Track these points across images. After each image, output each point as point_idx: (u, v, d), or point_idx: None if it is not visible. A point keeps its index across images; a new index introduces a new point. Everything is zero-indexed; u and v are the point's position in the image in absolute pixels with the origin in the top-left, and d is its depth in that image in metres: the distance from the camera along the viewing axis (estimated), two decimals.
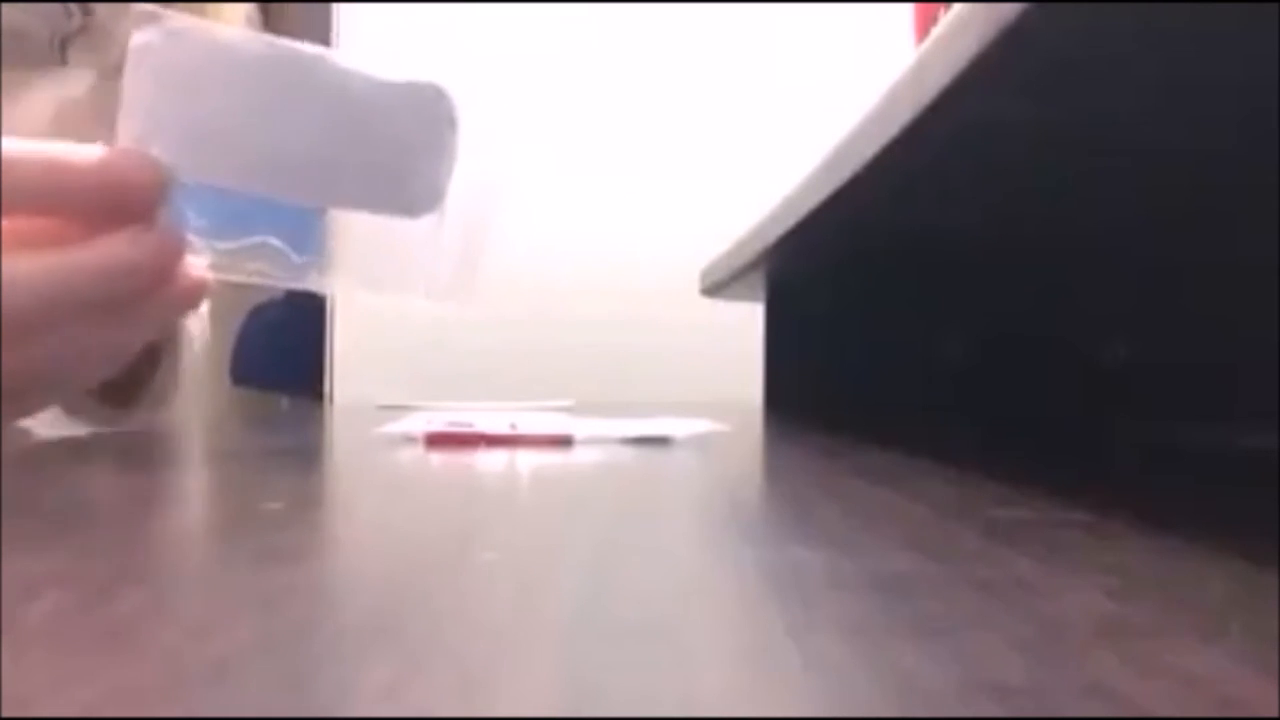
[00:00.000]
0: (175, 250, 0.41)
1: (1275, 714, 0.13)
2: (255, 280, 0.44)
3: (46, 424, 0.60)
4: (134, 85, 0.43)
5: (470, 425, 0.52)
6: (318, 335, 1.61)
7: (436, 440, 0.50)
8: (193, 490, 0.38)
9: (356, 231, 0.45)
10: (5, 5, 0.66)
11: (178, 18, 0.43)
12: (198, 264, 0.42)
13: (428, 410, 0.67)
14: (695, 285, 1.17)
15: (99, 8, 0.70)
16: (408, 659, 0.15)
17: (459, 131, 0.44)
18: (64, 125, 0.70)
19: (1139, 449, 0.62)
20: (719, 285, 1.03)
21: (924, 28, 0.95)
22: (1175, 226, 0.63)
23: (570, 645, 0.16)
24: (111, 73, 0.67)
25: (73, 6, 0.69)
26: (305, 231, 0.44)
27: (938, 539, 0.27)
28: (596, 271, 1.67)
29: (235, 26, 0.53)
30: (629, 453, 0.48)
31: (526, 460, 0.45)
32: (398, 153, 0.44)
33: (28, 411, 0.58)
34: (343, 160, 0.43)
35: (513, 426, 0.51)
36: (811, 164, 0.60)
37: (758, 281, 0.97)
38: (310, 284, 0.44)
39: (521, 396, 1.03)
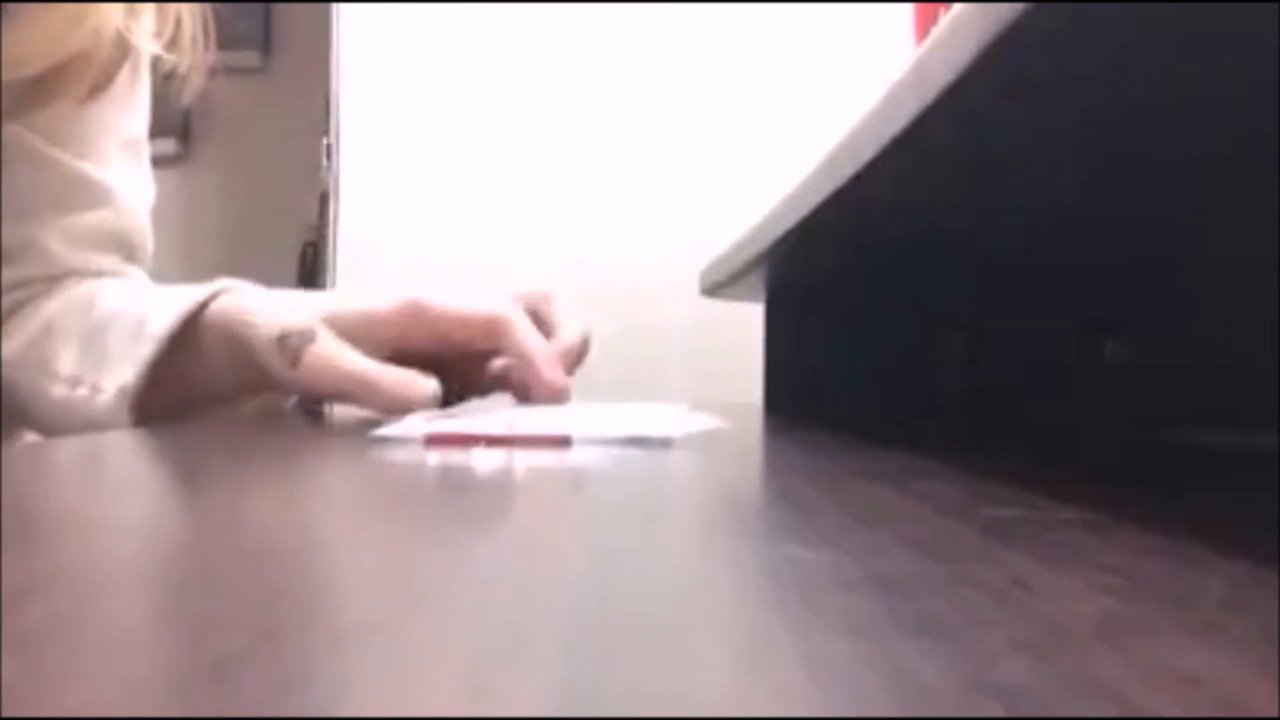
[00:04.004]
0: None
1: (1275, 714, 0.13)
2: None
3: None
4: None
5: (469, 426, 0.52)
6: None
7: (435, 440, 0.50)
8: (190, 490, 0.38)
9: None
10: None
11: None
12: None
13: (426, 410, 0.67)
14: (695, 285, 1.17)
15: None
16: (408, 659, 0.15)
17: None
18: None
19: (1139, 449, 0.62)
20: (719, 285, 1.03)
21: (924, 28, 0.95)
22: (1175, 226, 0.63)
23: (570, 645, 0.16)
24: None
25: None
26: None
27: (938, 539, 0.27)
28: (596, 272, 1.67)
29: None
30: (629, 453, 0.48)
31: (525, 460, 0.45)
32: None
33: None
34: None
35: (511, 426, 0.51)
36: (811, 164, 0.60)
37: (758, 281, 0.97)
38: None
39: None
